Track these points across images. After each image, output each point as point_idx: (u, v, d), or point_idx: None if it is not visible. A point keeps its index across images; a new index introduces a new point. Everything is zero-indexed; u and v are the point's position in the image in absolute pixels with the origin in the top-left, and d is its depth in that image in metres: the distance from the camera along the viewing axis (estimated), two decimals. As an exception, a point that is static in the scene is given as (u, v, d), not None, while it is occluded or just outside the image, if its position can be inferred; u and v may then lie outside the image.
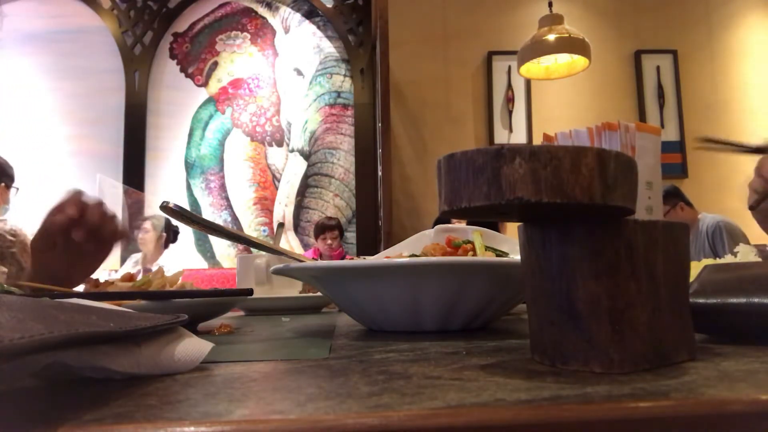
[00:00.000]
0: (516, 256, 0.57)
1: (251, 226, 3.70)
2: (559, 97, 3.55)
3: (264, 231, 3.69)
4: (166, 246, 3.09)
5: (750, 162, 0.96)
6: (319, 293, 0.92)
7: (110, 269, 2.80)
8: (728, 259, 0.53)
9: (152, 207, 3.49)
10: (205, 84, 3.82)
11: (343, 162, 3.79)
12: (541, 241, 0.33)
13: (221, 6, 3.90)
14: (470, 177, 0.29)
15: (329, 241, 3.30)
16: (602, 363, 0.30)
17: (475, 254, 0.60)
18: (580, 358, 0.31)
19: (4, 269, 0.81)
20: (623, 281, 0.31)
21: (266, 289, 1.00)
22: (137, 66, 3.75)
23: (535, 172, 0.28)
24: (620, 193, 0.30)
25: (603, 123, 0.40)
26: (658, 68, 3.61)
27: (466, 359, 0.36)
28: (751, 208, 0.99)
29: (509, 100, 3.54)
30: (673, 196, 2.66)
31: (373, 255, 0.79)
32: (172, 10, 3.86)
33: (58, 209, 0.74)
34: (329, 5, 3.87)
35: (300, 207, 3.75)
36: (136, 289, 0.59)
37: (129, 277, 0.64)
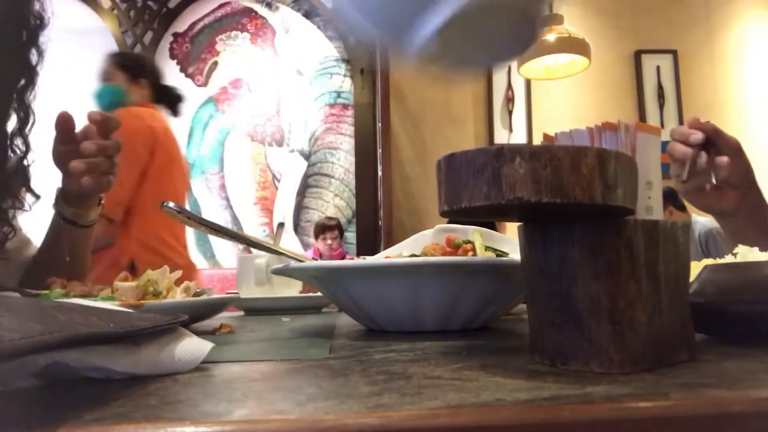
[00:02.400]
0: (516, 256, 0.57)
1: (251, 226, 3.69)
2: (559, 97, 3.55)
3: (264, 231, 3.69)
4: None
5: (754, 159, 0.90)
6: (319, 293, 0.92)
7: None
8: (728, 259, 0.53)
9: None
10: (205, 84, 3.82)
11: (343, 162, 3.79)
12: (542, 241, 0.33)
13: (221, 6, 3.90)
14: (470, 177, 0.29)
15: (329, 241, 3.30)
16: (602, 363, 0.30)
17: (475, 254, 0.60)
18: (580, 358, 0.31)
19: None
20: (623, 281, 0.31)
21: (266, 289, 1.00)
22: (137, 66, 3.75)
23: (535, 172, 0.28)
24: (620, 193, 0.29)
25: (603, 123, 0.40)
26: (658, 68, 3.61)
27: (466, 359, 0.36)
28: (683, 183, 0.81)
29: (509, 100, 3.54)
30: (665, 199, 2.62)
31: (373, 255, 0.80)
32: (172, 10, 3.86)
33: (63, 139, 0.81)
34: (329, 5, 3.87)
35: (300, 207, 3.74)
36: (141, 288, 0.59)
37: (125, 277, 0.64)
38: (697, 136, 0.77)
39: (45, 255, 0.89)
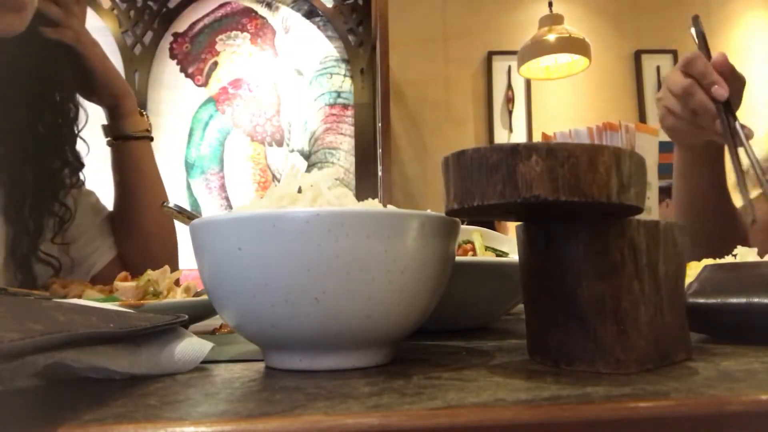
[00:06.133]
0: (516, 256, 0.57)
1: (251, 226, 3.69)
2: (559, 97, 3.55)
3: (264, 231, 3.68)
4: None
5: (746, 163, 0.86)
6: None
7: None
8: (728, 259, 0.53)
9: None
10: (205, 84, 3.82)
11: (343, 162, 3.79)
12: (544, 241, 0.33)
13: (221, 6, 3.90)
14: (483, 174, 0.29)
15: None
16: (608, 363, 0.30)
17: (475, 254, 0.60)
18: (586, 359, 0.31)
19: None
20: (627, 281, 0.30)
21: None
22: (137, 66, 3.75)
23: (552, 170, 0.27)
24: (634, 192, 0.29)
25: (604, 123, 0.40)
26: (658, 68, 3.61)
27: (466, 359, 0.36)
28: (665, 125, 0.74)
29: (509, 100, 3.54)
30: (662, 192, 2.62)
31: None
32: (172, 10, 3.86)
33: None
34: (329, 5, 3.87)
35: (300, 207, 3.74)
36: (141, 288, 0.58)
37: (125, 277, 0.64)
38: (724, 93, 0.72)
39: (119, 209, 0.90)
